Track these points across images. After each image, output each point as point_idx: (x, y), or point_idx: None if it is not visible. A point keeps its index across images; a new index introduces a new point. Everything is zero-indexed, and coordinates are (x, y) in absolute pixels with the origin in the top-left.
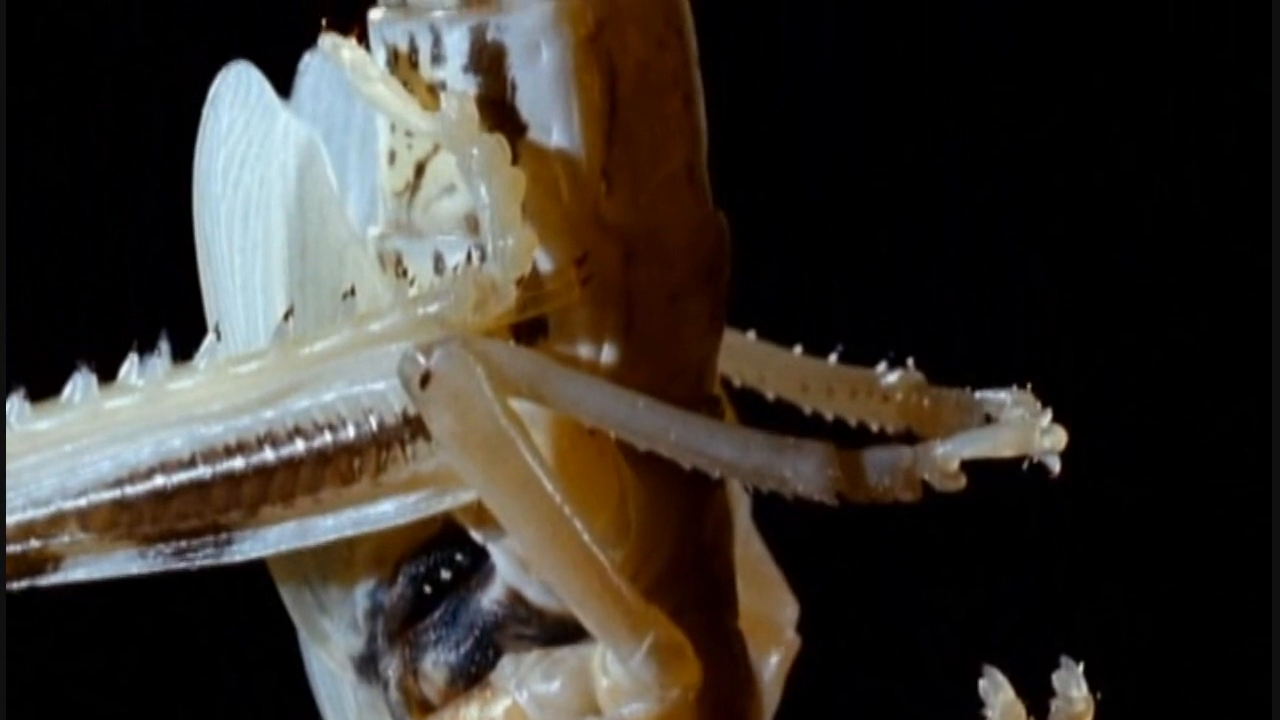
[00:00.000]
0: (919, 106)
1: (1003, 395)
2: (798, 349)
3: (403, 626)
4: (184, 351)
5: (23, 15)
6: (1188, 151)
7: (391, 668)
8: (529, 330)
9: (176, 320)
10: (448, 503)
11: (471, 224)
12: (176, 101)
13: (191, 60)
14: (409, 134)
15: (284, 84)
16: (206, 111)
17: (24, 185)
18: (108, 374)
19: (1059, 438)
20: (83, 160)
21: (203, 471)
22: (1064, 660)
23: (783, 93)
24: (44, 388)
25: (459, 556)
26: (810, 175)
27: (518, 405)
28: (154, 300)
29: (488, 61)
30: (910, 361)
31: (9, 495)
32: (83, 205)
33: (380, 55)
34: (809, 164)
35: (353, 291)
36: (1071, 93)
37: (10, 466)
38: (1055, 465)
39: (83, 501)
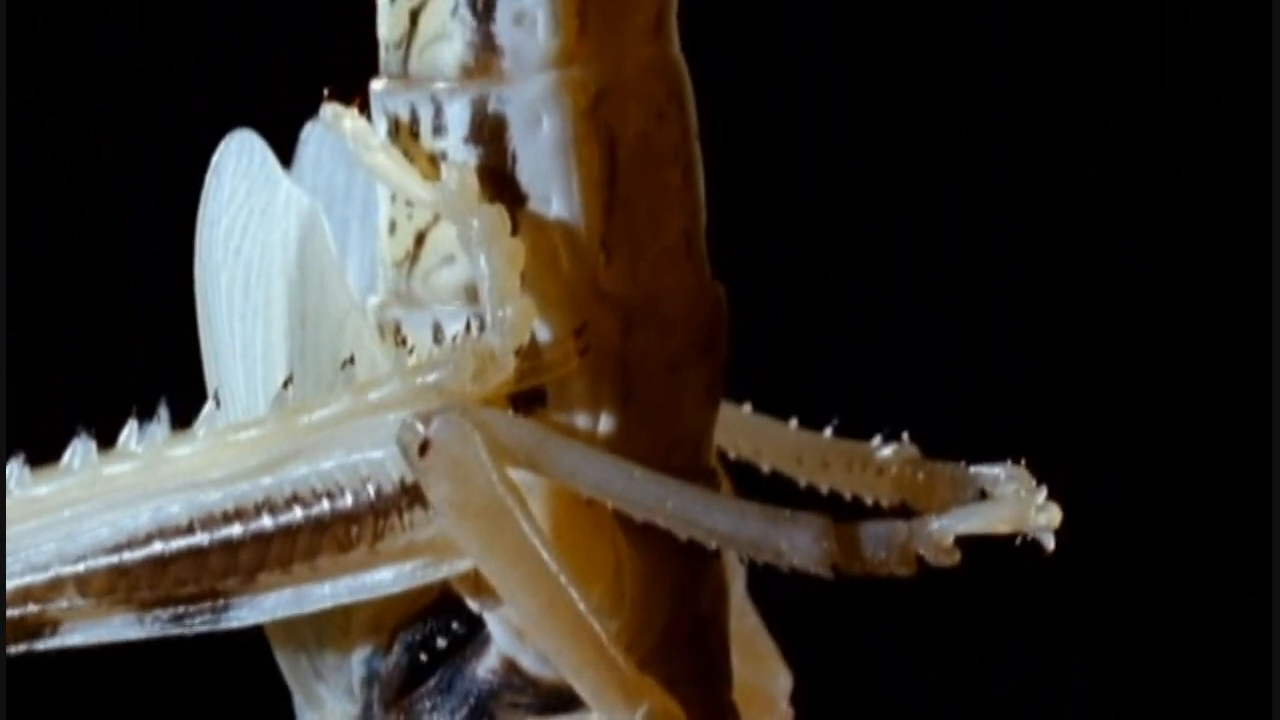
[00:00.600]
0: (916, 134)
1: (997, 470)
2: (793, 421)
3: (398, 694)
4: (183, 411)
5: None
6: (1181, 165)
7: None
8: (527, 400)
9: (175, 379)
10: (445, 571)
11: (471, 294)
12: (180, 179)
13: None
14: (409, 204)
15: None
16: (209, 179)
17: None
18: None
19: (1053, 515)
20: (85, 203)
21: (201, 538)
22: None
23: (773, 115)
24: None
25: (455, 625)
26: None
27: (515, 474)
28: (153, 359)
29: (489, 132)
30: (905, 436)
31: (8, 560)
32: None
33: (382, 125)
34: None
35: (352, 360)
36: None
37: (10, 531)
38: (1049, 542)
39: (81, 567)
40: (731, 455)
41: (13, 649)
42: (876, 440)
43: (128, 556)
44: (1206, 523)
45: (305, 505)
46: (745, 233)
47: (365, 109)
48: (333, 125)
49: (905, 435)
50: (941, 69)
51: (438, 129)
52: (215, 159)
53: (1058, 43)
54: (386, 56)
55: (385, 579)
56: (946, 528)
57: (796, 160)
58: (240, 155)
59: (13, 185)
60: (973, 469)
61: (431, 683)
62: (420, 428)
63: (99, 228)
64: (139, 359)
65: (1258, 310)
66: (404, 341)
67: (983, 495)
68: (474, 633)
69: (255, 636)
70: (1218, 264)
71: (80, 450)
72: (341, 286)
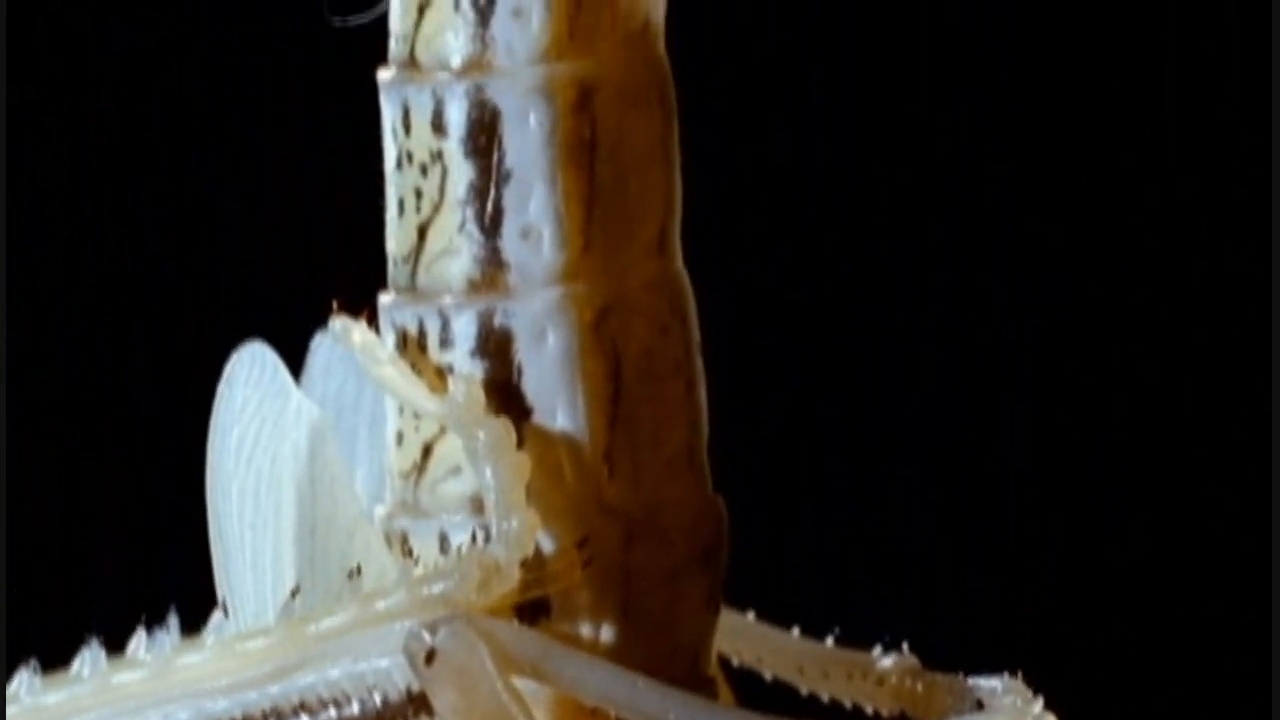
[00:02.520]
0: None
1: (994, 683)
2: (795, 630)
3: None
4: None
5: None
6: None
7: None
8: (532, 610)
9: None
10: None
11: (477, 505)
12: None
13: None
14: (417, 416)
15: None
16: (221, 390)
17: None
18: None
19: None
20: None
21: None
22: None
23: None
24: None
25: None
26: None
27: (520, 683)
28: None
29: (495, 346)
30: (905, 647)
31: None
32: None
33: (390, 338)
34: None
35: (359, 570)
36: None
37: None
38: None
39: None
40: (734, 662)
41: None
42: (877, 650)
43: None
44: (1206, 534)
45: (312, 713)
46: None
47: (374, 321)
48: (342, 338)
49: (905, 647)
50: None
51: (445, 342)
52: (227, 370)
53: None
54: (394, 270)
55: None
56: None
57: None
58: (252, 367)
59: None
60: (971, 680)
61: None
62: (426, 637)
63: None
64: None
65: (1258, 310)
66: (410, 551)
67: (980, 706)
68: None
69: None
70: (1218, 264)
71: (89, 658)
72: (351, 496)
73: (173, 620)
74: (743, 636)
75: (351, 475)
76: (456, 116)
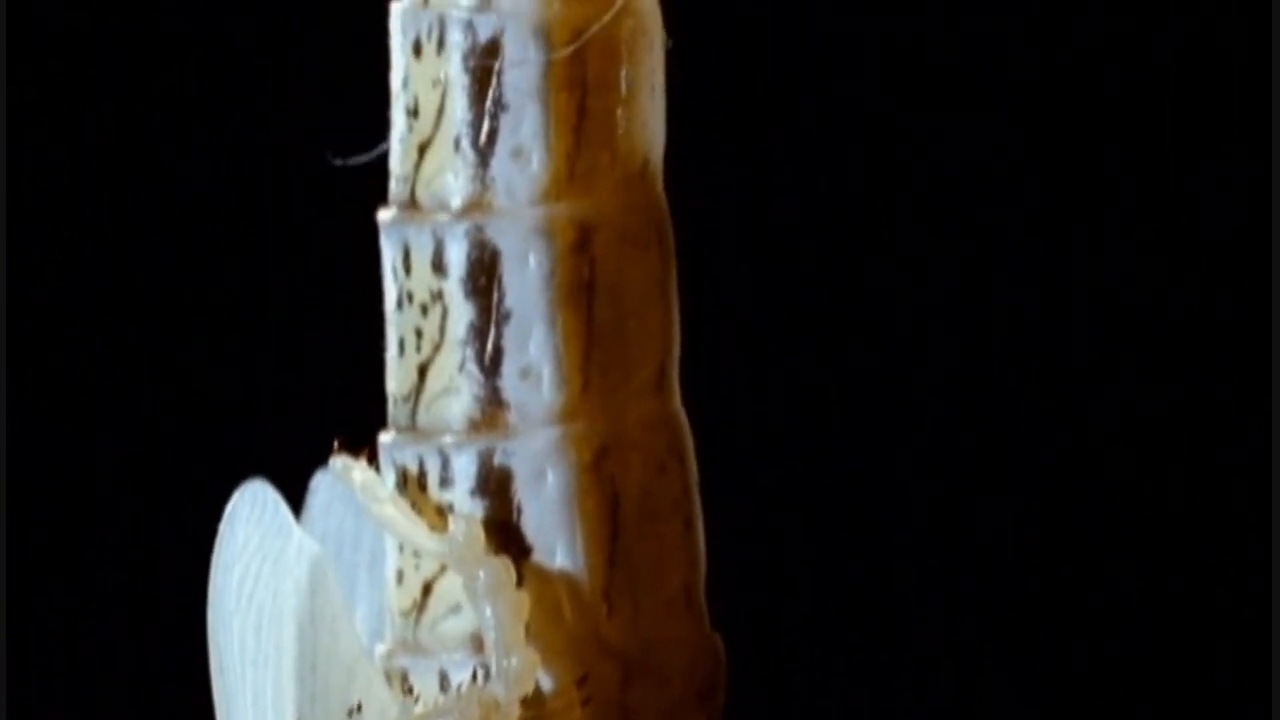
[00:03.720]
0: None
1: None
2: None
3: None
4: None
5: None
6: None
7: None
8: None
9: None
10: None
11: (476, 643)
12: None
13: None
14: (417, 554)
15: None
16: (222, 528)
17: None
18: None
19: None
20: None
21: None
22: None
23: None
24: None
25: None
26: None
27: None
28: None
29: (494, 485)
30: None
31: None
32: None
33: (390, 477)
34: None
35: (359, 708)
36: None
37: None
38: None
39: None
40: None
41: None
42: None
43: None
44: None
45: None
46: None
47: (374, 460)
48: (342, 476)
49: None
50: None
51: (445, 481)
52: (228, 508)
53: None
54: (394, 410)
55: None
56: None
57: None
58: (253, 505)
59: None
60: None
61: None
62: None
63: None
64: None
65: (1258, 310)
66: (411, 689)
67: None
68: None
69: None
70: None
71: None
72: (351, 633)
73: None
74: None
75: (352, 613)
76: (456, 256)
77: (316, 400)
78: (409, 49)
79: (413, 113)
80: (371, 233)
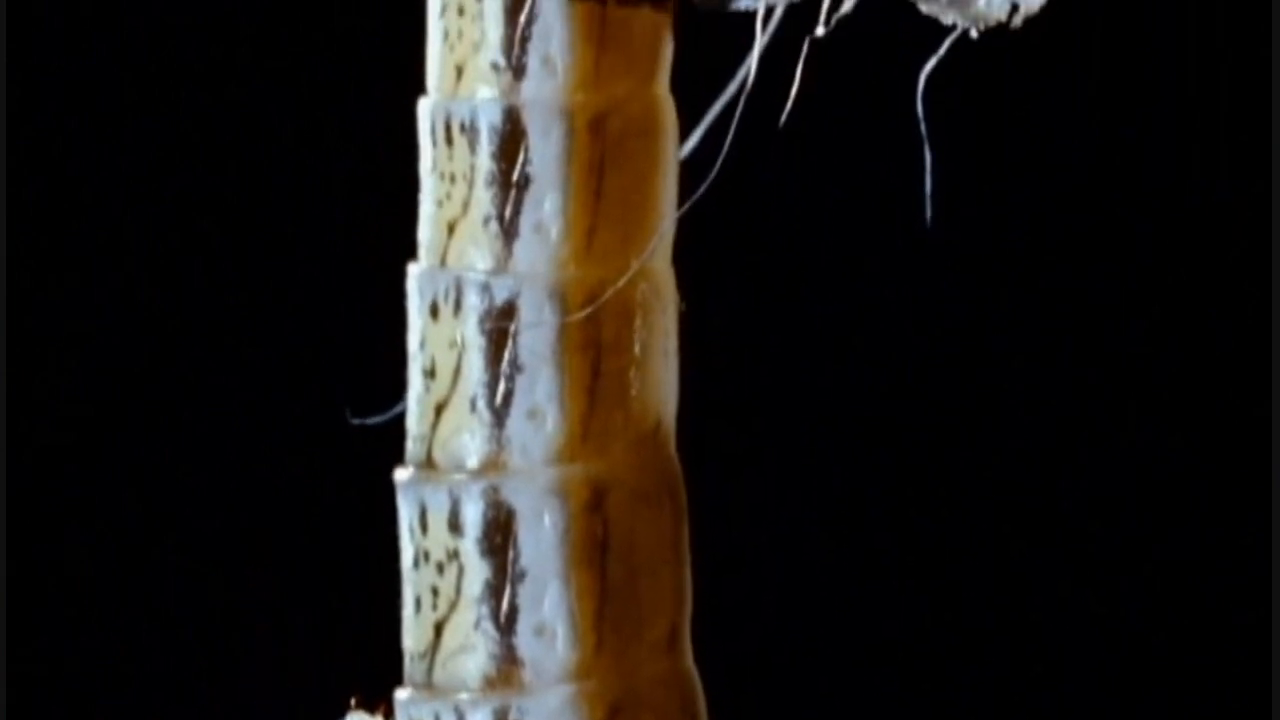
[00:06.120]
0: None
1: None
2: None
3: None
4: None
5: None
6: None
7: None
8: None
9: None
10: None
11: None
12: None
13: None
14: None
15: None
16: None
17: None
18: None
19: None
20: None
21: None
22: None
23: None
24: None
25: None
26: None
27: None
28: None
29: None
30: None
31: None
32: None
33: None
34: None
35: None
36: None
37: None
38: None
39: None
40: None
41: None
42: None
43: None
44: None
45: None
46: None
47: (391, 717)
48: None
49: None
50: None
51: None
52: None
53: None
54: (411, 667)
55: None
56: None
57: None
58: None
59: None
60: None
61: None
62: None
63: None
64: None
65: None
66: None
67: None
68: None
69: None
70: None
71: None
72: None
73: None
74: None
75: None
76: (472, 516)
77: (333, 659)
78: (426, 311)
79: (430, 374)
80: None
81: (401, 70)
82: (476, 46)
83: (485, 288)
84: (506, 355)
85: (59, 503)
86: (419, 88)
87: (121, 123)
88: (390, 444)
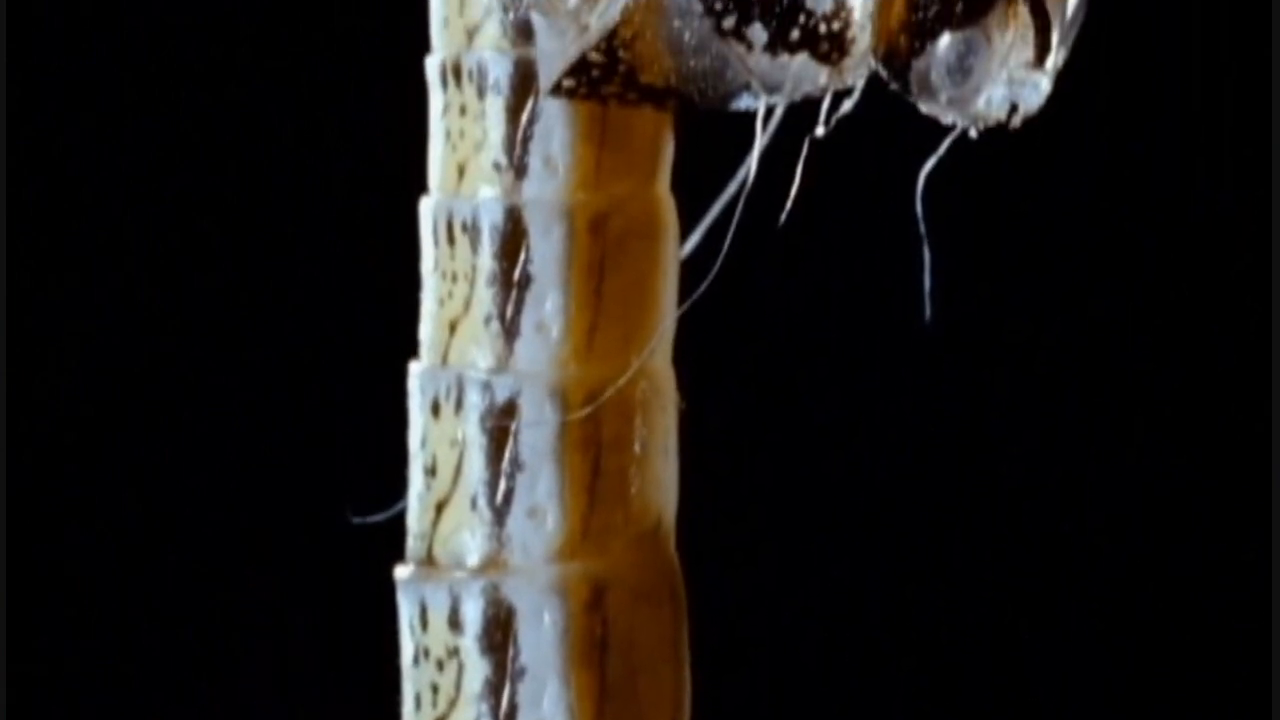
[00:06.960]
0: None
1: None
2: None
3: None
4: None
5: None
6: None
7: None
8: None
9: None
10: None
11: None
12: None
13: None
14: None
15: None
16: None
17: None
18: None
19: None
20: None
21: None
22: None
23: None
24: None
25: None
26: None
27: None
28: None
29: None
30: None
31: None
32: None
33: None
34: None
35: None
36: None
37: None
38: None
39: None
40: None
41: None
42: None
43: None
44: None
45: None
46: None
47: None
48: None
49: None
50: None
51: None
52: None
53: None
54: None
55: None
56: None
57: None
58: None
59: None
60: None
61: None
62: None
63: None
64: None
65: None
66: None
67: None
68: None
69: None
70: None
71: None
72: None
73: None
74: None
75: None
76: (473, 614)
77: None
78: (427, 409)
79: (431, 471)
80: (387, 590)
81: (403, 72)
82: (478, 146)
83: (486, 386)
84: (507, 453)
85: (59, 503)
86: (421, 89)
87: (121, 123)
88: (391, 541)
